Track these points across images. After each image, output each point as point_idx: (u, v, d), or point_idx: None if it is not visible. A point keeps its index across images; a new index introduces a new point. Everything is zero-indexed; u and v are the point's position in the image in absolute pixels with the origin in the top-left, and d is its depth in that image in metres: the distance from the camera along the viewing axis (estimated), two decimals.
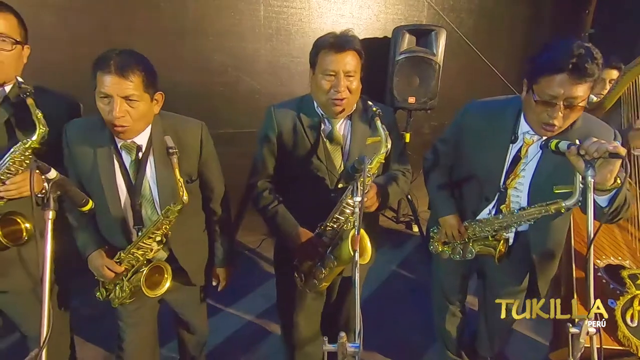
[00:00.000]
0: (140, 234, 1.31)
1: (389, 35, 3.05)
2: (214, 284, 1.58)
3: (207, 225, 1.50)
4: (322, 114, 1.42)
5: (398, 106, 3.03)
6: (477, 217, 1.53)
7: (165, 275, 1.35)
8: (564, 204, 1.25)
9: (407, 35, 2.90)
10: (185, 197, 1.21)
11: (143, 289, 1.28)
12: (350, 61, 1.31)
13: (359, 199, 1.05)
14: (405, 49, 2.91)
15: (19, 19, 1.23)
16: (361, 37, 3.07)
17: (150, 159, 1.29)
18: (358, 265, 0.93)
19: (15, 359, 1.57)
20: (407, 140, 3.23)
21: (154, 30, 2.46)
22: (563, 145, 1.10)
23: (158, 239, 1.29)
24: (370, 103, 1.36)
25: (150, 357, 1.57)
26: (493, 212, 1.49)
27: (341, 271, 1.51)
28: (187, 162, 1.32)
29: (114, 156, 1.26)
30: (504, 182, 1.42)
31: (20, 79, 1.19)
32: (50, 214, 0.89)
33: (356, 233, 0.97)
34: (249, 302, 2.51)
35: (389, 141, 1.26)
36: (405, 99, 2.98)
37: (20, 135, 1.23)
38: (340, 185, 1.40)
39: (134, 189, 1.28)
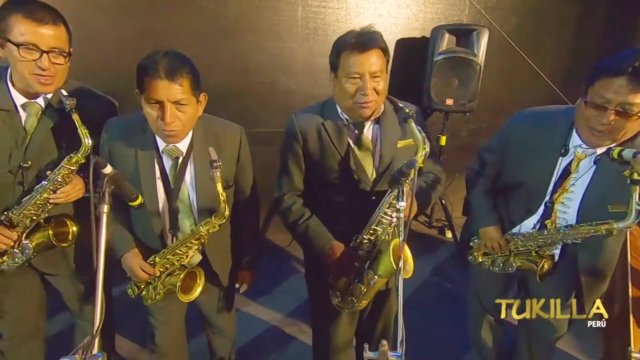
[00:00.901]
0: (175, 238, 1.32)
1: (428, 35, 2.97)
2: (238, 286, 1.59)
3: (236, 228, 1.49)
4: (347, 119, 1.33)
5: (435, 108, 2.95)
6: (518, 229, 1.46)
7: (198, 281, 1.35)
8: (616, 226, 1.17)
9: (447, 35, 2.82)
10: (227, 213, 1.21)
11: (178, 294, 1.30)
12: (375, 61, 1.20)
13: (403, 204, 1.01)
14: (445, 49, 2.83)
15: (67, 27, 1.24)
16: (398, 37, 3.07)
17: (190, 164, 1.29)
18: (402, 273, 0.89)
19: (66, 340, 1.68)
20: (443, 143, 3.14)
21: (196, 31, 2.52)
22: (628, 153, 1.01)
23: (195, 247, 1.31)
24: (400, 104, 1.30)
25: (179, 353, 1.60)
26: (537, 226, 1.41)
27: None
28: (225, 167, 1.30)
29: (155, 159, 1.26)
30: (551, 196, 1.35)
31: (64, 93, 1.19)
32: (105, 208, 0.92)
33: (401, 239, 0.93)
34: (279, 300, 2.52)
35: (427, 143, 1.19)
36: (443, 100, 2.90)
37: (66, 139, 1.27)
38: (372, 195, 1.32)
39: (172, 193, 1.28)
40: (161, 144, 1.26)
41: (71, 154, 1.22)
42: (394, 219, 1.23)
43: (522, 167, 1.40)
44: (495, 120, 3.54)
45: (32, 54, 1.15)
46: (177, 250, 1.29)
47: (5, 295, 1.42)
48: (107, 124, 1.29)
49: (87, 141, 1.19)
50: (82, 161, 1.23)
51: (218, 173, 1.14)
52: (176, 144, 1.26)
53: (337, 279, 1.37)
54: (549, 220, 1.37)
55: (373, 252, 1.30)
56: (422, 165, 1.24)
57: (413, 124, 1.19)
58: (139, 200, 1.09)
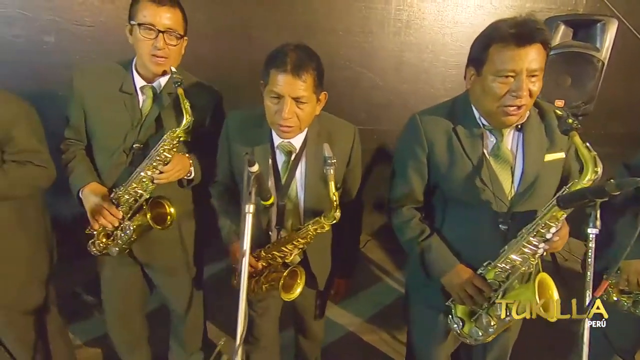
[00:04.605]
0: (279, 235, 1.29)
1: None
2: (333, 292, 1.51)
3: (338, 232, 1.40)
4: (484, 125, 1.13)
5: None
6: None
7: (298, 281, 1.30)
8: None
9: (562, 27, 2.46)
10: (337, 214, 1.13)
11: (280, 291, 1.26)
12: (536, 57, 1.00)
13: (596, 231, 0.83)
14: (558, 44, 2.47)
15: (183, 13, 1.30)
16: None
17: (302, 162, 1.25)
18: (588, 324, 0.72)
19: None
20: None
21: (286, 24, 2.49)
22: None
23: (300, 246, 1.26)
24: (559, 112, 1.07)
25: (271, 346, 1.57)
26: None
27: None
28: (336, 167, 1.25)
29: (269, 154, 1.24)
30: None
31: (173, 69, 1.28)
32: (251, 208, 0.88)
33: (589, 277, 0.76)
34: (356, 305, 2.39)
35: (599, 166, 0.93)
36: (552, 101, 2.53)
37: (175, 122, 1.31)
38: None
39: (281, 190, 1.25)
40: (276, 140, 1.23)
41: (172, 129, 1.26)
42: (540, 250, 1.03)
43: None
44: (610, 127, 3.08)
45: (150, 34, 1.23)
46: (282, 247, 1.26)
47: (110, 281, 1.54)
48: (228, 118, 1.31)
49: (188, 117, 1.25)
50: (182, 136, 1.26)
51: (332, 171, 1.07)
52: (290, 140, 1.23)
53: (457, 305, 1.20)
54: None
55: (505, 284, 1.11)
56: None
57: (578, 138, 0.96)
58: (272, 200, 1.06)
